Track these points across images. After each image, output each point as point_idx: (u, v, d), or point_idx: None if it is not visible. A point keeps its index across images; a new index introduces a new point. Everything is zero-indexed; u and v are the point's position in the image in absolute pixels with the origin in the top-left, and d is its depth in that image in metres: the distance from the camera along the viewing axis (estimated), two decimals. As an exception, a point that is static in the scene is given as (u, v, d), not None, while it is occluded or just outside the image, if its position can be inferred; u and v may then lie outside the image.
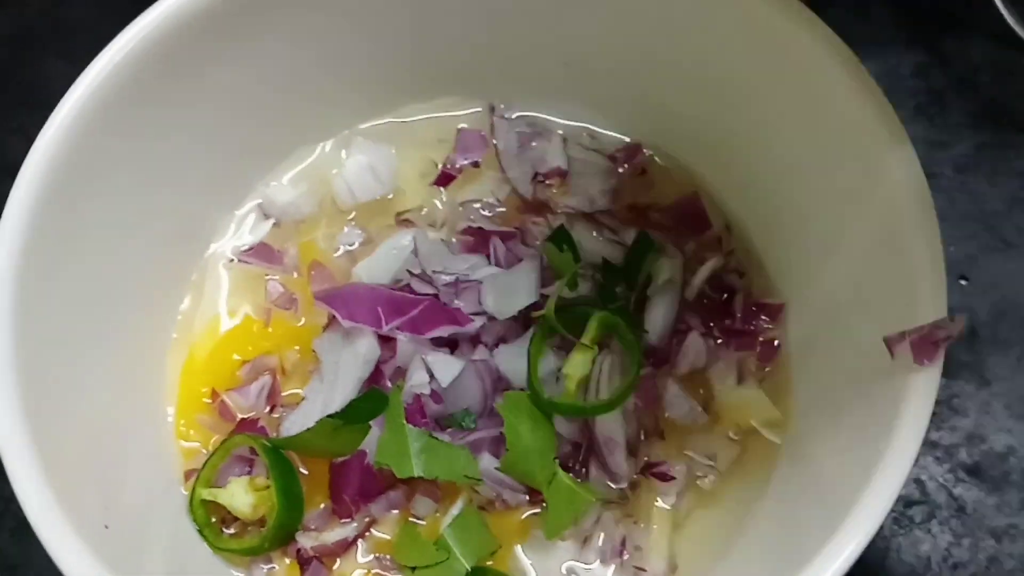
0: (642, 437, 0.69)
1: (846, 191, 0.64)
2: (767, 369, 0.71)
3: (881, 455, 0.53)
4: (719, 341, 0.71)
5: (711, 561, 0.66)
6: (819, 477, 0.61)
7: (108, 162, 0.64)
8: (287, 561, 0.67)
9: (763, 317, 0.72)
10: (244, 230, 0.77)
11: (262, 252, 0.76)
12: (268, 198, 0.77)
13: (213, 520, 0.67)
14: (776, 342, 0.71)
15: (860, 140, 0.61)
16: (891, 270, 0.59)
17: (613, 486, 0.68)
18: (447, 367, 0.67)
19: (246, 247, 0.76)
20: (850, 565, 0.50)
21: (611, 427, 0.67)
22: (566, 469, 0.66)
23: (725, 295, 0.72)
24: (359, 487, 0.66)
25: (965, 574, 0.72)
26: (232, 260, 0.75)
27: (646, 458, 0.68)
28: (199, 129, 0.70)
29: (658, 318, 0.70)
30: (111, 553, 0.56)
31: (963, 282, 0.80)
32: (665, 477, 0.67)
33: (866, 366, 0.58)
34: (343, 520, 0.67)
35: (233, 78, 0.69)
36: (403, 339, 0.67)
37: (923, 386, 0.54)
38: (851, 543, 0.51)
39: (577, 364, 0.66)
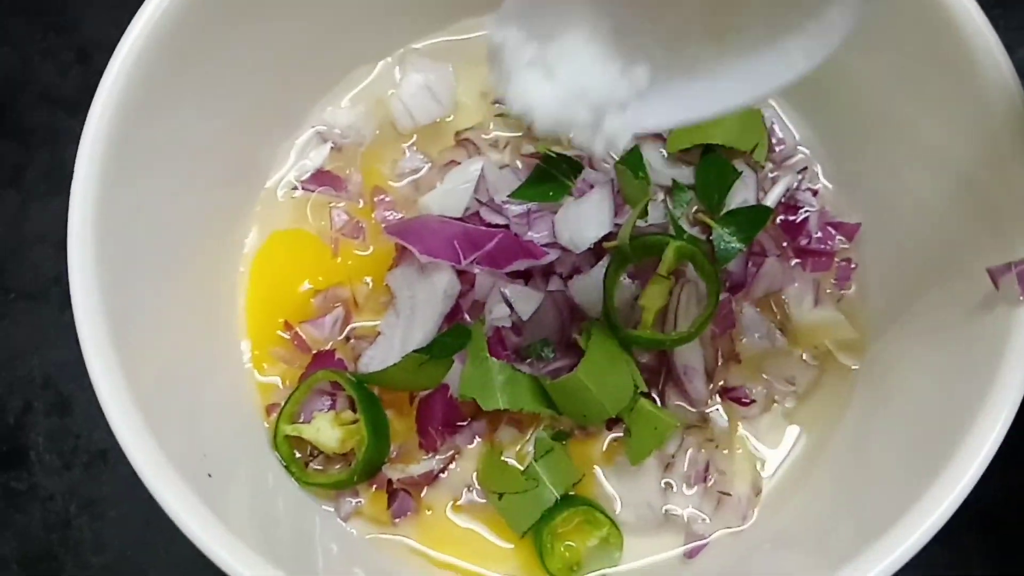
0: (719, 362, 0.69)
1: (932, 102, 0.62)
2: (844, 291, 0.70)
3: (982, 399, 0.52)
4: (794, 262, 0.71)
5: (792, 485, 0.67)
6: (906, 412, 0.61)
7: (168, 98, 0.62)
8: (373, 491, 0.67)
9: (839, 237, 0.71)
10: (305, 159, 0.75)
11: (325, 178, 0.74)
12: (326, 122, 0.75)
13: (298, 455, 0.68)
14: (853, 263, 0.71)
15: (947, 46, 0.59)
16: (986, 193, 0.58)
17: (692, 410, 0.68)
18: (527, 300, 0.66)
19: (308, 175, 0.74)
20: (953, 512, 0.51)
21: (689, 355, 0.67)
22: (644, 395, 0.66)
23: (799, 215, 0.71)
24: (444, 419, 0.67)
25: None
26: (295, 188, 0.74)
27: (722, 382, 0.69)
28: (254, 56, 0.68)
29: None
30: (207, 495, 0.56)
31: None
32: (743, 401, 0.68)
33: (960, 296, 0.58)
34: (428, 452, 0.67)
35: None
36: (480, 273, 0.66)
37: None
38: (953, 491, 0.51)
39: (654, 296, 0.65)
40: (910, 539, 0.52)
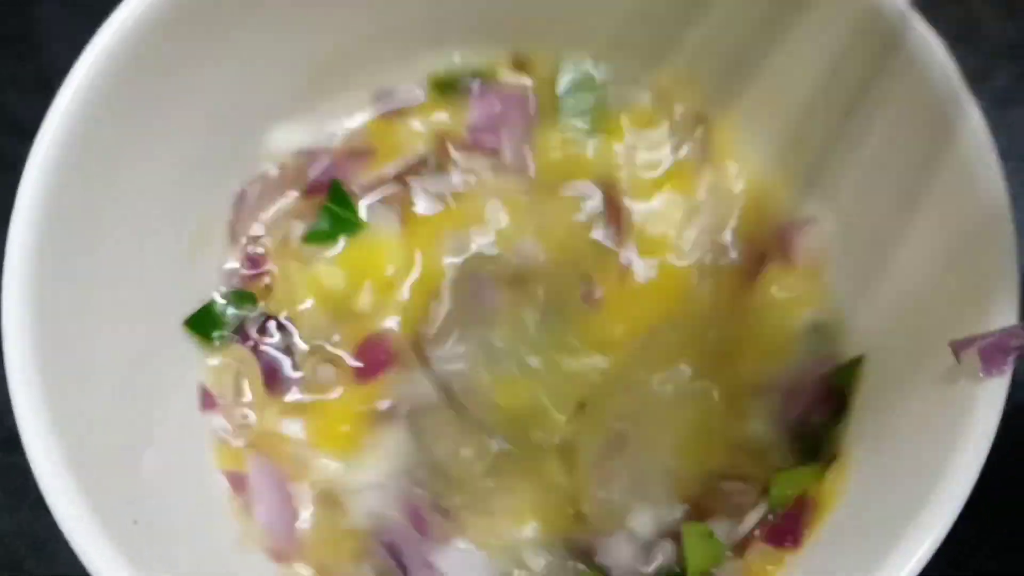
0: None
1: (903, 178, 0.61)
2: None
3: (941, 470, 0.51)
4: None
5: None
6: (869, 483, 0.59)
7: (114, 150, 0.61)
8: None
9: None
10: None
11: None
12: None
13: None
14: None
15: (921, 122, 0.59)
16: (955, 268, 0.57)
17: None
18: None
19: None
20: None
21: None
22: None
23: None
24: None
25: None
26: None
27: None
28: (212, 104, 0.66)
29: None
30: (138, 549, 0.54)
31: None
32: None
33: (925, 367, 0.56)
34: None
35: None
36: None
37: (991, 396, 0.52)
38: (908, 563, 0.49)
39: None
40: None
